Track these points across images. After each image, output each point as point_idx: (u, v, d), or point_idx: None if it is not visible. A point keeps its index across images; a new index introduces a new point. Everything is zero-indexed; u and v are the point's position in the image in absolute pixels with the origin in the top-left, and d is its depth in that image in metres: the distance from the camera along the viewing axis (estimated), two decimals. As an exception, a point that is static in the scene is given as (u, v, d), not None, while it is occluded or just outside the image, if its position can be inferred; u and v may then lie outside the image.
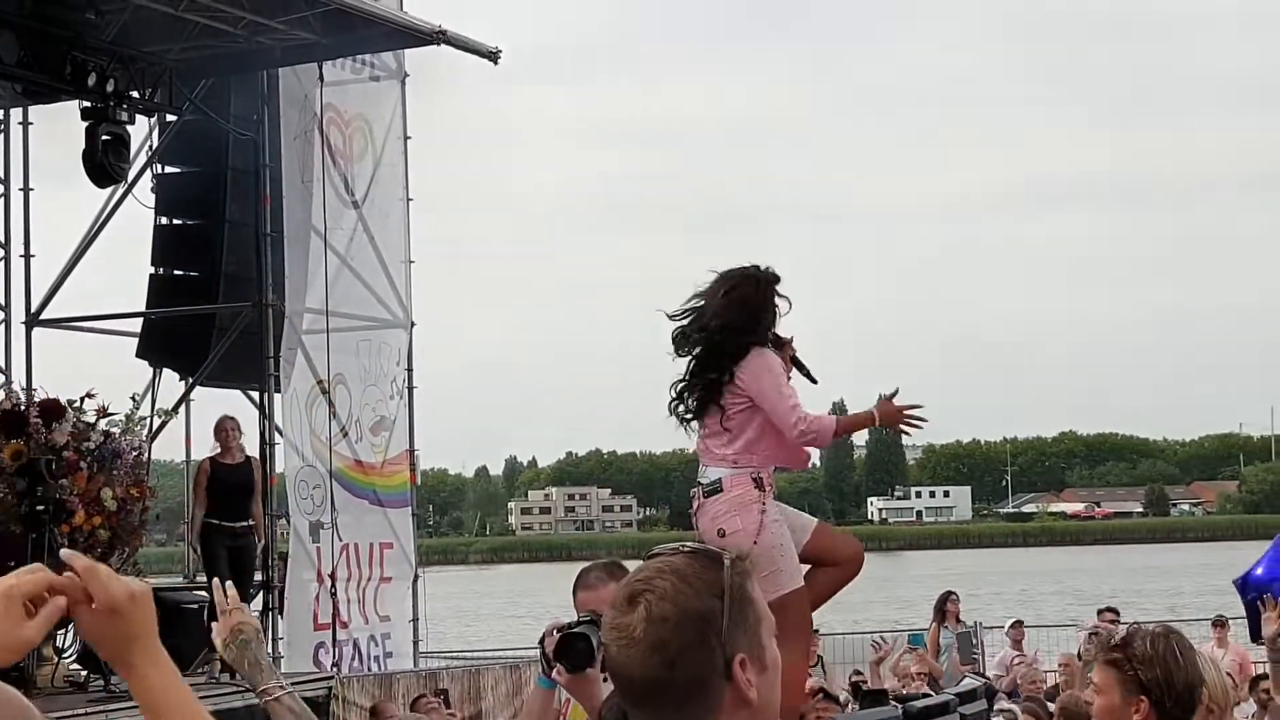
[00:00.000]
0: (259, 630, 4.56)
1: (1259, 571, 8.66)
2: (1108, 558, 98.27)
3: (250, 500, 15.53)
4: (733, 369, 7.02)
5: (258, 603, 15.74)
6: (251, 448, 16.19)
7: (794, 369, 7.20)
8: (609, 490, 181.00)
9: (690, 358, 7.13)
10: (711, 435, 7.09)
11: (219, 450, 15.66)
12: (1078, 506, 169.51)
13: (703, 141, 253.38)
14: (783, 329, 7.24)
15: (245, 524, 15.42)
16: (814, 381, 7.32)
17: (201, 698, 2.47)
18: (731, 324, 7.04)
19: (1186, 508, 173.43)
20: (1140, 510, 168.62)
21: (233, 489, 15.41)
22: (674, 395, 7.18)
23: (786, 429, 7.01)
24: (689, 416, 7.14)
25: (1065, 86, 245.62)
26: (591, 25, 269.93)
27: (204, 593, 14.02)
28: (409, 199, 18.31)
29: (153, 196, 17.58)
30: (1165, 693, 4.33)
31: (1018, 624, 19.40)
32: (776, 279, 7.19)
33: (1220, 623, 19.71)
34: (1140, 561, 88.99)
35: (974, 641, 19.32)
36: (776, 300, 7.15)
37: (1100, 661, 4.49)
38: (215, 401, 17.48)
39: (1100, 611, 19.33)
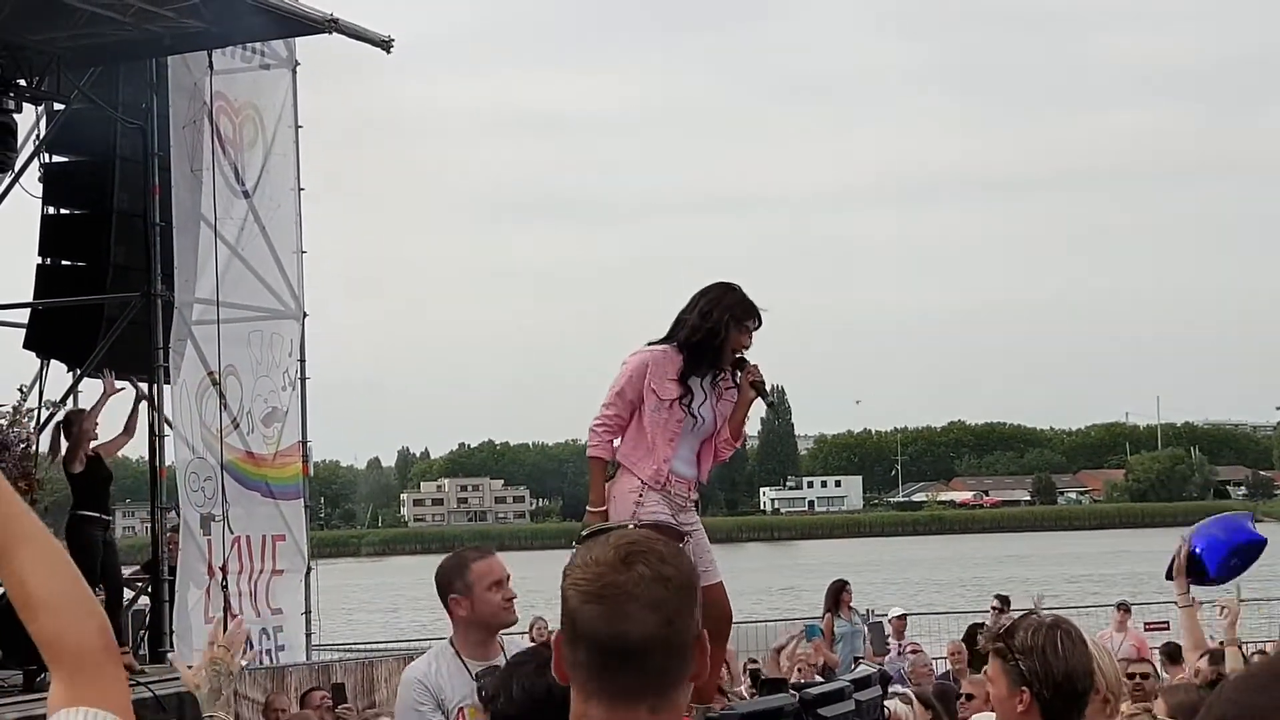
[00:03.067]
0: (233, 675, 5.16)
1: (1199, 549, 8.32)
2: (998, 545, 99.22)
3: None
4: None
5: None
6: (141, 439, 16.01)
7: (753, 391, 7.56)
8: (501, 481, 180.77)
9: None
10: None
11: (91, 442, 15.02)
12: (966, 495, 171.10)
13: (598, 132, 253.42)
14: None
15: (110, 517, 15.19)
16: (769, 405, 7.94)
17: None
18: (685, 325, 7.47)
19: (1073, 496, 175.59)
20: (1027, 499, 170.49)
21: (104, 480, 15.11)
22: None
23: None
24: None
25: (953, 81, 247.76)
26: (491, 14, 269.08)
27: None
28: (300, 188, 18.17)
29: (40, 186, 17.40)
30: (1044, 684, 4.33)
31: (901, 617, 19.56)
32: (745, 300, 7.51)
33: (1124, 607, 19.92)
34: (1031, 549, 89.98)
35: (885, 632, 19.49)
36: (736, 317, 7.45)
37: (989, 651, 4.53)
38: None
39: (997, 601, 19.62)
